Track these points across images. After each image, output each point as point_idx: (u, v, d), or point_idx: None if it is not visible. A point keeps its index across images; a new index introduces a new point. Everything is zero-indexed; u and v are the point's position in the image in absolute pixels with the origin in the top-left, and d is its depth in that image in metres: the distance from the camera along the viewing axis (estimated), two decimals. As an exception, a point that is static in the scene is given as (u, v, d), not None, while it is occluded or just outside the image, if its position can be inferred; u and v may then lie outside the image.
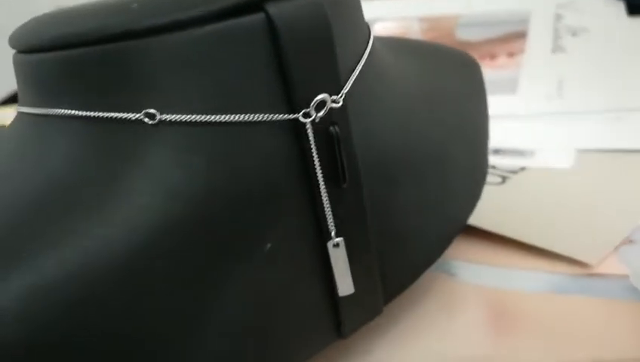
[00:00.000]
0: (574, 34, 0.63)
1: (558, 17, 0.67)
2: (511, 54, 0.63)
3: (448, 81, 0.30)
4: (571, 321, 0.29)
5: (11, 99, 0.67)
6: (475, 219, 0.34)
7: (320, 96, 0.20)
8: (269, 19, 0.19)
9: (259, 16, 0.19)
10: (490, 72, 0.60)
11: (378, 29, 0.69)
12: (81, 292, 0.18)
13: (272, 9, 0.19)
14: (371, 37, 0.24)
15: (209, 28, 0.18)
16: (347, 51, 0.22)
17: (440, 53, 0.32)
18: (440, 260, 0.29)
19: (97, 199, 0.19)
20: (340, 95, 0.20)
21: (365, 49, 0.23)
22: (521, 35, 0.65)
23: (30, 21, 0.22)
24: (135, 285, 0.19)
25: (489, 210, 0.35)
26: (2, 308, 0.17)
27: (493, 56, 0.64)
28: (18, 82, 0.22)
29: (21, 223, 0.19)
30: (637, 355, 0.26)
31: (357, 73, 0.22)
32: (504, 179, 0.41)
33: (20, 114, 0.22)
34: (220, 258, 0.20)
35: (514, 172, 0.42)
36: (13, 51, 0.22)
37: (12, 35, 0.22)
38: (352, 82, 0.21)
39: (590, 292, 0.30)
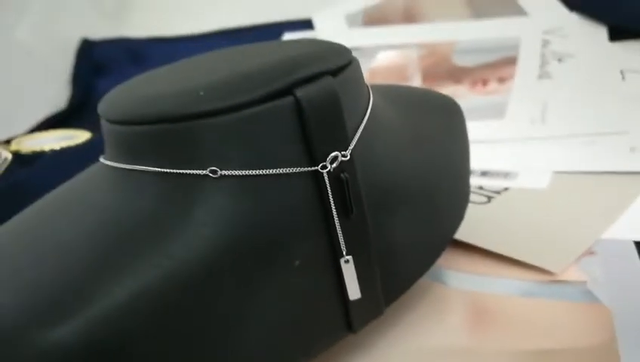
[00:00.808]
0: (560, 60, 0.66)
1: (545, 43, 0.69)
2: (502, 79, 0.65)
3: (432, 124, 0.34)
4: (539, 319, 0.33)
5: (45, 124, 0.67)
6: (464, 235, 0.38)
7: (333, 154, 0.26)
8: (297, 101, 0.25)
9: (289, 99, 0.25)
10: (481, 99, 0.64)
11: (380, 58, 0.72)
12: (164, 299, 0.24)
13: (299, 93, 0.25)
14: (371, 97, 0.30)
15: (254, 109, 0.24)
16: (353, 114, 0.27)
17: (426, 98, 0.36)
18: (431, 270, 0.33)
19: (173, 231, 0.24)
20: (347, 150, 0.26)
21: (366, 109, 0.29)
22: (511, 61, 0.67)
23: (116, 94, 0.27)
24: (200, 293, 0.24)
25: (476, 227, 0.39)
26: (92, 320, 0.22)
27: (485, 82, 0.66)
28: (105, 140, 0.28)
29: (111, 249, 0.24)
30: (590, 345, 0.31)
31: (360, 131, 0.27)
32: (489, 198, 0.45)
33: (104, 165, 0.28)
34: (260, 271, 0.25)
35: (498, 192, 0.46)
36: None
37: (101, 106, 0.27)
38: (356, 139, 0.27)
39: (554, 296, 0.34)
